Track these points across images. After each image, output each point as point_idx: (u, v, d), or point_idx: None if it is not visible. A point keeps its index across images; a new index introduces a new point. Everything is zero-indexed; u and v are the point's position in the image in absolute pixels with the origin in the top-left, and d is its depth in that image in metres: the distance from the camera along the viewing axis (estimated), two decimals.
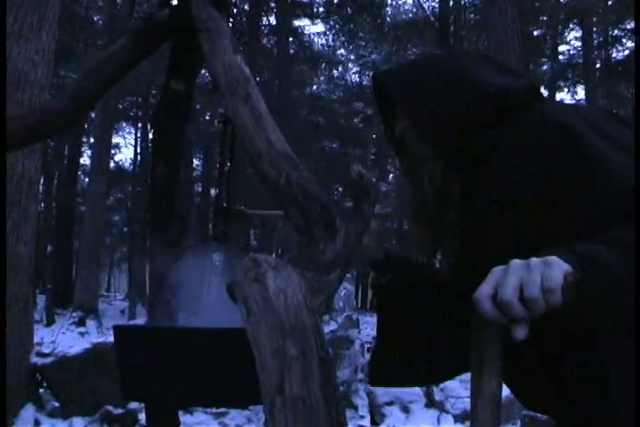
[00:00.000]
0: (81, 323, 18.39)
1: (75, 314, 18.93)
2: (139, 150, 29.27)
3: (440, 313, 1.49)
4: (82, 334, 17.83)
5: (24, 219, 6.10)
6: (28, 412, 6.25)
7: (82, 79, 2.11)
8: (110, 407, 6.51)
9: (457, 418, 6.78)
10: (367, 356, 8.50)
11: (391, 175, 33.28)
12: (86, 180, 28.37)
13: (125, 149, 39.93)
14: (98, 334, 18.75)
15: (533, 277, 0.99)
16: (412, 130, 1.47)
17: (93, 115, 20.74)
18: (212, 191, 30.85)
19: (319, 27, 28.40)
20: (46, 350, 8.12)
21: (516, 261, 1.03)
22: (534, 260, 1.02)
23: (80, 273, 19.86)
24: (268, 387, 1.05)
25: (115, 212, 34.87)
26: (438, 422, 6.61)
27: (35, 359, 6.59)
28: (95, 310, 19.17)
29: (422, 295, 1.55)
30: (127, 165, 33.42)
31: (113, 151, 28.06)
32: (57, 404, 6.61)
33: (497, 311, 1.00)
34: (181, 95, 2.10)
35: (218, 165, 2.04)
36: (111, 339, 6.72)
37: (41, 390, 6.63)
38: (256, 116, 1.48)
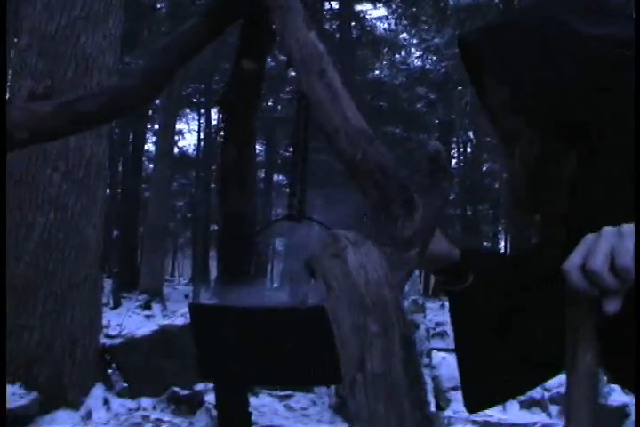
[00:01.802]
0: (146, 306, 18.71)
1: (140, 297, 19.26)
2: (202, 136, 29.59)
3: (537, 310, 1.37)
4: (147, 317, 18.15)
5: (93, 203, 6.21)
6: (98, 391, 6.37)
7: (153, 58, 2.10)
8: (177, 388, 6.60)
9: (523, 404, 6.71)
10: (432, 341, 8.49)
11: (454, 161, 33.03)
12: (150, 166, 28.80)
13: (189, 135, 40.38)
14: (163, 318, 19.06)
15: (626, 244, 0.91)
16: (506, 99, 1.30)
17: (157, 101, 20.98)
18: (275, 177, 31.08)
19: (381, 11, 28.21)
20: (113, 333, 8.29)
21: (608, 228, 0.95)
22: (627, 226, 0.94)
23: (145, 257, 20.20)
24: (349, 364, 1.04)
25: (178, 197, 35.35)
26: (504, 409, 6.55)
27: (103, 341, 6.72)
28: (160, 294, 19.49)
29: (514, 295, 1.42)
30: (191, 150, 33.80)
31: (177, 137, 28.37)
32: (125, 384, 6.73)
33: (586, 282, 0.93)
34: (252, 75, 2.08)
35: (292, 142, 2.02)
36: (178, 321, 6.83)
37: (109, 371, 6.76)
38: (332, 93, 1.45)
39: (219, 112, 30.78)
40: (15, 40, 6.41)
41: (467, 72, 1.44)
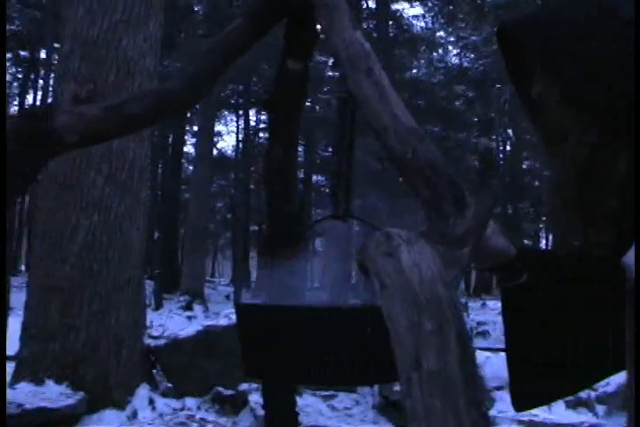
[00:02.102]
0: (188, 307, 18.83)
1: (181, 298, 19.39)
2: (240, 137, 29.71)
3: (584, 311, 1.35)
4: (189, 317, 18.27)
5: (136, 205, 6.27)
6: (143, 391, 6.43)
7: (199, 60, 2.12)
8: (221, 388, 6.63)
9: (569, 404, 6.63)
10: (474, 340, 8.44)
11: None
12: (190, 167, 29.00)
13: (227, 137, 40.62)
14: (205, 319, 19.17)
15: None
16: (554, 91, 1.21)
17: None
18: (314, 178, 31.08)
19: (417, 9, 28.11)
20: (155, 333, 8.36)
21: None
22: None
23: (186, 259, 20.34)
24: (405, 362, 1.04)
25: (218, 198, 35.54)
26: (549, 409, 6.48)
27: (148, 341, 6.78)
28: (201, 295, 19.61)
29: (567, 296, 1.40)
30: (229, 152, 33.97)
31: (215, 139, 28.53)
32: (169, 384, 6.79)
33: None
34: (297, 75, 2.09)
35: (336, 141, 2.02)
36: (221, 322, 6.86)
37: (154, 371, 6.82)
38: (380, 91, 1.45)
39: (257, 113, 30.95)
40: (57, 45, 6.48)
41: (506, 66, 1.37)
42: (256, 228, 33.36)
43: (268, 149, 2.21)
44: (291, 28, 1.98)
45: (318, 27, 1.98)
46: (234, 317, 6.38)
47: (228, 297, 27.54)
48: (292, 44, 2.00)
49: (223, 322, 6.87)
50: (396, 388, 6.36)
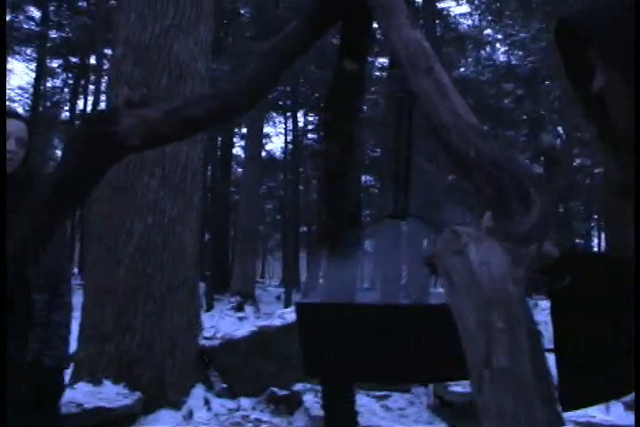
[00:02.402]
0: (239, 308, 18.93)
1: (232, 299, 19.49)
2: (288, 139, 29.78)
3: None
4: (240, 318, 18.37)
5: (189, 208, 6.33)
6: (199, 392, 6.49)
7: (256, 63, 2.13)
8: (275, 389, 6.66)
9: (628, 406, 6.51)
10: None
11: (542, 158, 32.35)
12: (239, 169, 29.16)
13: (276, 138, 40.78)
14: (256, 319, 19.25)
15: None
16: (619, 84, 1.19)
17: None
18: (363, 178, 31.03)
19: (464, 7, 27.91)
20: (207, 334, 8.42)
21: None
22: None
23: (237, 260, 20.46)
24: (476, 360, 1.04)
25: (267, 200, 35.68)
26: (607, 410, 6.39)
27: (202, 342, 6.84)
28: (252, 296, 19.71)
29: (613, 298, 1.37)
30: (278, 153, 34.07)
31: (264, 141, 28.64)
32: (224, 385, 6.84)
33: None
34: (354, 75, 2.10)
35: (394, 141, 2.02)
36: (275, 322, 6.89)
37: (208, 372, 6.88)
38: (441, 89, 1.45)
39: (305, 115, 31.03)
40: (108, 51, 6.57)
41: (563, 61, 1.36)
42: (305, 229, 33.46)
43: (325, 149, 2.22)
44: (347, 29, 1.99)
45: (374, 26, 1.99)
46: (287, 317, 6.39)
47: (278, 298, 27.64)
48: (348, 45, 2.01)
49: (277, 322, 6.91)
50: (451, 388, 6.33)
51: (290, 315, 7.02)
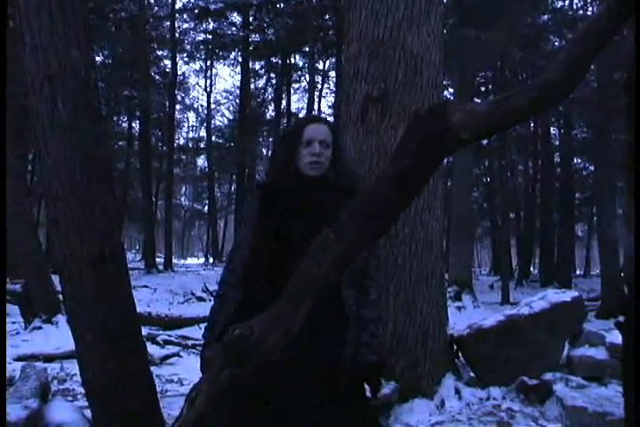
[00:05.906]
0: (457, 297, 18.87)
1: (450, 289, 19.44)
2: None
3: None
4: (458, 308, 18.31)
5: (434, 197, 6.36)
6: (449, 381, 6.50)
7: (572, 48, 2.11)
8: (525, 378, 6.58)
9: None
10: None
11: None
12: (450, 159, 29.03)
13: None
14: (474, 309, 19.10)
15: None
16: None
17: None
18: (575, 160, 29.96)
19: None
20: None
21: None
22: None
23: (453, 248, 20.38)
24: None
25: (474, 187, 35.36)
26: None
27: (450, 332, 6.86)
28: (470, 285, 19.56)
29: None
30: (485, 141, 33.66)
31: None
32: (472, 374, 6.84)
33: None
34: None
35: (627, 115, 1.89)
36: (523, 311, 6.80)
37: (457, 361, 6.91)
38: None
39: None
40: (343, 47, 6.72)
41: None
42: (512, 215, 32.83)
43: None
44: None
45: None
46: (534, 305, 6.22)
47: (491, 287, 27.30)
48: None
49: (524, 311, 6.80)
50: None
51: (537, 304, 6.89)
